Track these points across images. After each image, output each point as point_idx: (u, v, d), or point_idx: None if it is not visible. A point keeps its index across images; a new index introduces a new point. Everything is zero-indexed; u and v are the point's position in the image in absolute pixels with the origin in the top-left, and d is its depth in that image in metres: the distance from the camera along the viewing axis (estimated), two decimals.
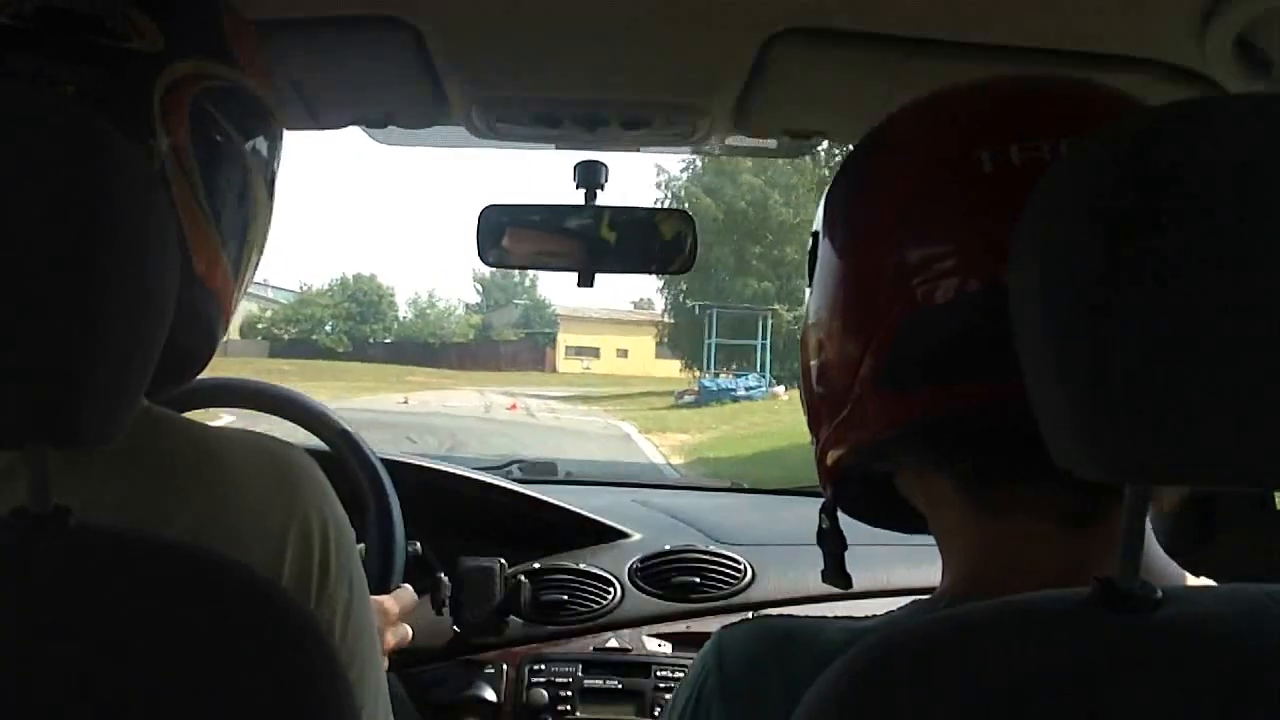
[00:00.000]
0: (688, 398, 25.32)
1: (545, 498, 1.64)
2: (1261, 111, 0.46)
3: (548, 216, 1.29)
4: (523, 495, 1.63)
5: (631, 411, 22.65)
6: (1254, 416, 0.43)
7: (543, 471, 2.07)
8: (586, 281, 1.31)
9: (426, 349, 47.67)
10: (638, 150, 1.25)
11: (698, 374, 29.28)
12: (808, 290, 0.69)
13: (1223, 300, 0.43)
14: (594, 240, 1.28)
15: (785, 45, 0.95)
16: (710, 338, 28.59)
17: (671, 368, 36.36)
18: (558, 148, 1.23)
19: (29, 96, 0.50)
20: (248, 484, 0.64)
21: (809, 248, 0.69)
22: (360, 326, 48.01)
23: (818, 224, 0.69)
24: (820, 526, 0.71)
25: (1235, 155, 0.44)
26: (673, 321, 33.33)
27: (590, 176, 1.23)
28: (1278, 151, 0.44)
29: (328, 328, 46.69)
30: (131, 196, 0.50)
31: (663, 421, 19.84)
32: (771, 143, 1.21)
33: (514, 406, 22.76)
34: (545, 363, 46.73)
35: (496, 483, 1.66)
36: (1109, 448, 0.45)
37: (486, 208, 1.30)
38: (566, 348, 47.43)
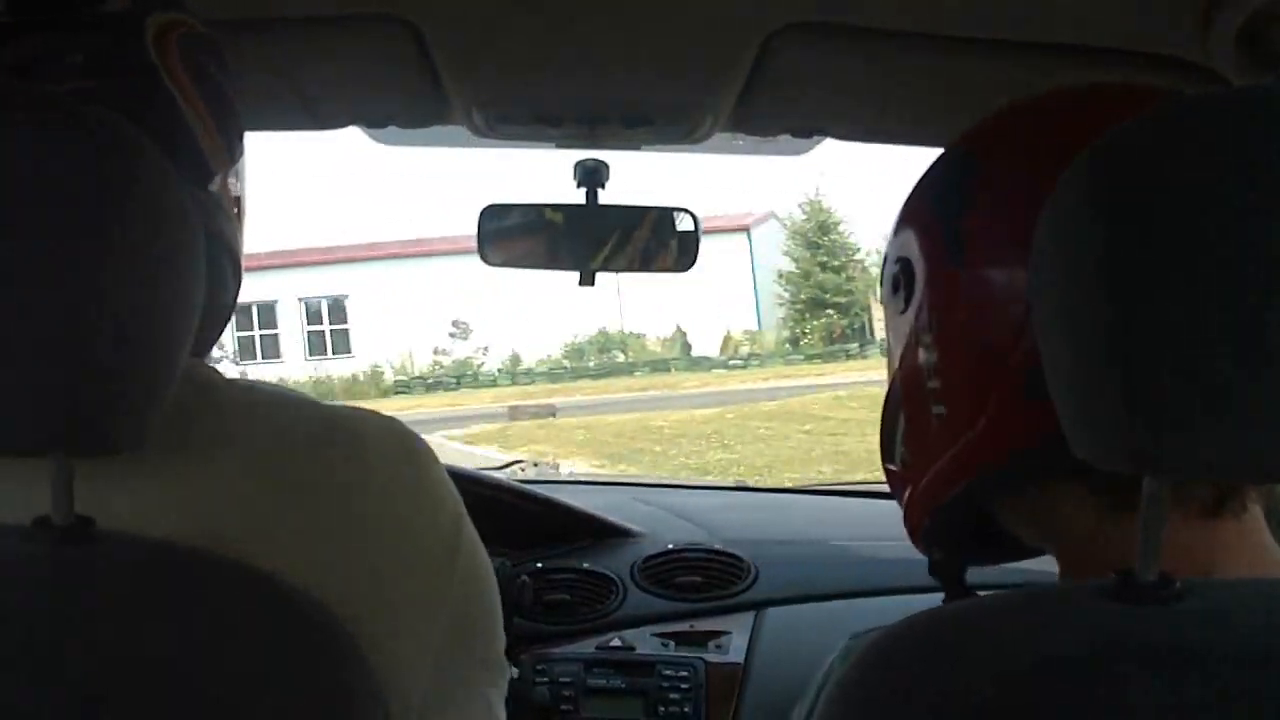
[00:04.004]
0: None
1: (548, 496, 1.63)
2: (1274, 103, 0.46)
3: (549, 216, 1.29)
4: (526, 494, 1.63)
5: None
6: (1273, 411, 0.43)
7: (545, 471, 2.07)
8: (588, 281, 1.30)
9: None
10: (639, 149, 1.24)
11: None
12: (905, 315, 0.67)
13: (1245, 294, 0.43)
14: (596, 240, 1.27)
15: (785, 42, 0.94)
16: None
17: None
18: (558, 146, 1.22)
19: (56, 104, 0.49)
20: (381, 465, 0.62)
21: (894, 273, 0.68)
22: None
23: (907, 249, 0.67)
24: (933, 558, 0.70)
25: (1257, 148, 0.44)
26: None
27: (591, 176, 1.23)
28: None
29: None
30: (157, 200, 0.50)
31: None
32: (772, 140, 1.21)
33: None
34: None
35: (500, 482, 1.66)
36: (1129, 440, 0.45)
37: (487, 207, 1.29)
38: None
